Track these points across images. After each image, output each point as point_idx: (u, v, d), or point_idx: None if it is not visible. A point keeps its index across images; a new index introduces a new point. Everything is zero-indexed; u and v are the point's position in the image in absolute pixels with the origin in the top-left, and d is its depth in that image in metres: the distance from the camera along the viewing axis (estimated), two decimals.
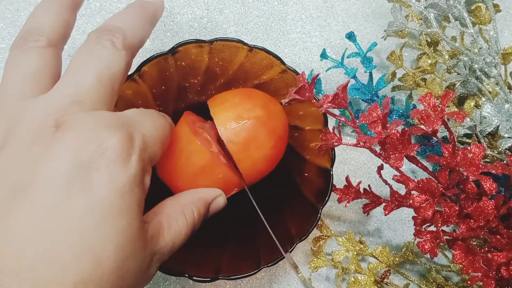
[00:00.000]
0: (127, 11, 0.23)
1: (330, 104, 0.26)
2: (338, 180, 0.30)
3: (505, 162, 0.30)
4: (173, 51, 0.29)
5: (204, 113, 0.31)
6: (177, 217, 0.22)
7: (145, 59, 0.29)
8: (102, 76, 0.19)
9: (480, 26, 0.34)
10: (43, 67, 0.20)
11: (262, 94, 0.30)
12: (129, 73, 0.29)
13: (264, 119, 0.28)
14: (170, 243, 0.21)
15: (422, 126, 0.24)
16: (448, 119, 0.31)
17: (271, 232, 0.28)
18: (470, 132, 0.32)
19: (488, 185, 0.23)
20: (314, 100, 0.27)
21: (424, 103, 0.24)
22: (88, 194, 0.17)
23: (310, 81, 0.27)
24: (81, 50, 0.21)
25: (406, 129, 0.25)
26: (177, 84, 0.32)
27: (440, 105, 0.24)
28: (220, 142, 0.28)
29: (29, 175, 0.17)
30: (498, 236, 0.24)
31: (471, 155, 0.24)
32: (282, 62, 0.30)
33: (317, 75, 0.27)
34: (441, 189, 0.24)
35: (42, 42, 0.20)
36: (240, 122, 0.27)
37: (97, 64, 0.20)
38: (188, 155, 0.27)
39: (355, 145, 0.26)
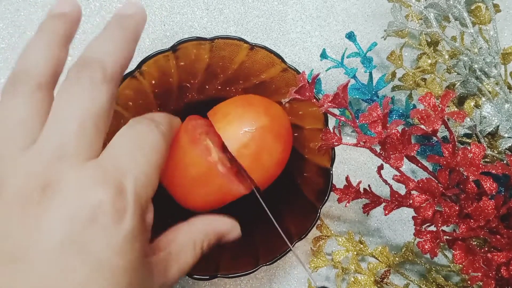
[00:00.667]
0: (105, 35, 0.22)
1: (330, 104, 0.26)
2: (338, 180, 0.30)
3: (505, 162, 0.30)
4: (174, 48, 0.29)
5: (204, 112, 0.31)
6: (187, 249, 0.22)
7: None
8: (85, 121, 0.19)
9: (480, 26, 0.34)
10: (31, 114, 0.19)
11: (261, 99, 0.30)
12: (129, 70, 0.29)
13: (270, 126, 0.28)
14: (177, 274, 0.21)
15: (422, 126, 0.24)
16: (448, 119, 0.31)
17: (278, 227, 0.28)
18: (470, 132, 0.32)
19: (488, 185, 0.23)
20: (314, 100, 0.27)
21: (424, 103, 0.24)
22: (87, 262, 0.16)
23: (310, 81, 0.27)
24: (60, 92, 0.20)
25: (406, 129, 0.25)
26: (178, 83, 0.32)
27: (440, 105, 0.24)
28: (226, 148, 0.28)
29: (23, 245, 0.16)
30: (498, 236, 0.24)
31: (471, 155, 0.24)
32: (283, 61, 0.30)
33: (317, 75, 0.27)
34: (441, 189, 0.24)
35: (31, 86, 0.19)
36: (248, 135, 0.27)
37: (78, 108, 0.19)
38: (185, 165, 0.26)
39: (355, 145, 0.26)
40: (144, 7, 0.23)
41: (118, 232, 0.17)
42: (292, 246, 0.28)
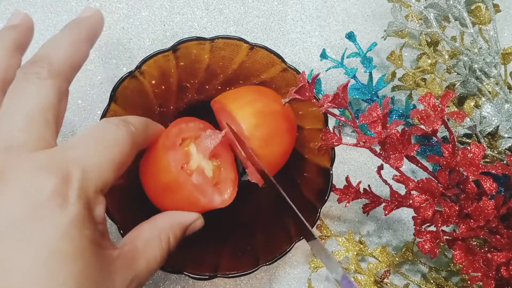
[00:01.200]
0: (59, 35, 0.23)
1: (330, 104, 0.26)
2: (338, 180, 0.30)
3: (505, 162, 0.30)
4: (174, 48, 0.29)
5: (204, 112, 0.31)
6: (153, 242, 0.23)
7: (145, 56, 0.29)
8: (32, 114, 0.19)
9: (480, 26, 0.34)
10: None
11: (270, 91, 0.30)
12: (130, 70, 0.29)
13: (282, 112, 0.28)
14: (146, 268, 0.21)
15: (422, 126, 0.24)
16: (448, 119, 0.31)
17: (299, 215, 0.27)
18: (470, 132, 0.32)
19: (488, 185, 0.23)
20: (314, 100, 0.27)
21: (424, 103, 0.24)
22: (34, 247, 0.16)
23: (310, 81, 0.27)
24: (10, 90, 0.21)
25: (406, 129, 0.25)
26: (178, 83, 0.32)
27: (440, 105, 0.24)
28: (219, 154, 0.28)
29: None
30: (498, 236, 0.24)
31: (471, 155, 0.24)
32: (283, 61, 0.30)
33: (317, 75, 0.27)
34: (441, 189, 0.24)
35: None
36: (261, 116, 0.27)
37: (25, 103, 0.20)
38: (158, 170, 0.26)
39: (355, 145, 0.26)
40: (102, 12, 0.25)
41: (62, 218, 0.17)
42: (292, 246, 0.28)
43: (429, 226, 0.26)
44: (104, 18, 0.25)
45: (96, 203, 0.19)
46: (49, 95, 0.20)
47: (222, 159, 0.29)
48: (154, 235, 0.23)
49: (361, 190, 0.29)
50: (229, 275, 0.27)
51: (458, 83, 0.33)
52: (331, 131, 0.28)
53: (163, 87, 0.31)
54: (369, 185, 0.29)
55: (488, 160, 0.32)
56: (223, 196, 0.28)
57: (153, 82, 0.30)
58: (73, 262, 0.17)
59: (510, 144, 0.30)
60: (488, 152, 0.31)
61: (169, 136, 0.26)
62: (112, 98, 0.28)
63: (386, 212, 0.26)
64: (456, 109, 0.34)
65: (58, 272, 0.16)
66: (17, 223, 0.17)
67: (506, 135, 0.30)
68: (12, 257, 0.16)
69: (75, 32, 0.23)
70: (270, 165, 0.28)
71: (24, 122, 0.19)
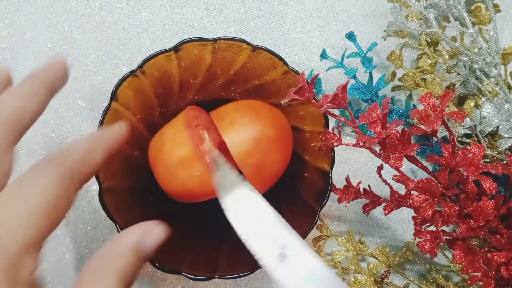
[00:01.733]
0: (13, 87, 0.20)
1: (330, 104, 0.26)
2: (338, 180, 0.30)
3: (505, 162, 0.30)
4: (176, 48, 0.29)
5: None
6: None
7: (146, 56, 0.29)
8: None
9: (480, 26, 0.34)
10: None
11: (267, 108, 0.30)
12: (131, 70, 0.29)
13: (275, 138, 0.28)
14: None
15: (422, 126, 0.24)
16: (448, 119, 0.31)
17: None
18: (470, 132, 0.32)
19: (488, 185, 0.23)
20: (314, 101, 0.27)
21: (424, 103, 0.24)
22: None
23: (309, 81, 0.27)
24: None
25: (406, 129, 0.25)
26: (179, 83, 0.32)
27: (440, 105, 0.24)
28: (222, 148, 0.28)
29: None
30: (498, 236, 0.24)
31: (471, 155, 0.24)
32: (285, 63, 0.30)
33: (317, 75, 0.27)
34: (441, 189, 0.24)
35: None
36: (253, 144, 0.27)
37: None
38: (174, 145, 0.27)
39: (355, 145, 0.26)
40: (68, 64, 0.22)
41: None
42: None
43: (429, 226, 0.26)
44: (68, 69, 0.22)
45: (23, 265, 0.16)
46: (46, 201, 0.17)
47: (227, 156, 0.29)
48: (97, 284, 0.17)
49: (361, 190, 0.29)
50: (227, 277, 0.27)
51: (458, 83, 0.33)
52: (331, 131, 0.27)
53: (164, 87, 0.31)
54: (369, 185, 0.29)
55: (488, 160, 0.32)
56: None
57: (154, 81, 0.30)
58: None
59: (510, 144, 0.30)
60: (488, 152, 0.31)
61: (188, 116, 0.27)
62: (113, 96, 0.28)
63: (386, 212, 0.26)
64: (456, 109, 0.34)
65: None
66: None
67: (506, 135, 0.30)
68: None
69: (32, 84, 0.20)
70: (262, 187, 0.29)
71: None
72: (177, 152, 0.27)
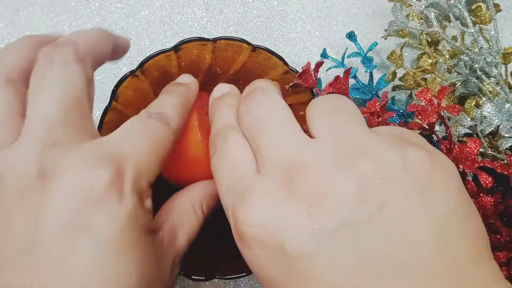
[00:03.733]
0: (81, 30, 0.22)
1: (331, 90, 0.26)
2: None
3: (505, 162, 0.30)
4: (176, 48, 0.29)
5: None
6: (188, 214, 0.22)
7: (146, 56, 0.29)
8: (66, 105, 0.18)
9: (481, 25, 0.34)
10: (7, 109, 0.18)
11: None
12: (130, 70, 0.29)
13: None
14: (186, 241, 0.22)
15: (419, 121, 0.24)
16: (448, 119, 0.31)
17: None
18: (471, 132, 0.32)
19: (483, 178, 0.23)
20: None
21: (421, 98, 0.24)
22: (95, 239, 0.16)
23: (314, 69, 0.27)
24: (34, 78, 0.19)
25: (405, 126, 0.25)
26: None
27: (436, 99, 0.24)
28: None
29: (26, 236, 0.16)
30: (497, 235, 0.24)
31: (468, 149, 0.24)
32: (285, 63, 0.30)
33: (322, 62, 0.27)
34: None
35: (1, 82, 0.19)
36: None
37: (56, 94, 0.18)
38: (186, 144, 0.27)
39: None
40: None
41: (121, 210, 0.17)
42: None
43: None
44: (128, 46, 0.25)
45: (147, 195, 0.19)
46: (79, 82, 0.19)
47: None
48: (188, 206, 0.23)
49: None
50: (227, 277, 0.27)
51: (459, 83, 0.33)
52: None
53: (164, 87, 0.31)
54: None
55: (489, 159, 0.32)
56: None
57: (154, 81, 0.30)
58: (132, 250, 0.17)
59: (510, 144, 0.30)
60: (489, 152, 0.31)
61: (198, 109, 0.27)
62: (114, 96, 0.28)
63: None
64: None
65: (119, 260, 0.17)
66: (76, 217, 0.16)
67: (506, 135, 0.30)
68: (77, 250, 0.16)
69: (101, 34, 0.22)
70: None
71: (59, 115, 0.18)
72: (192, 153, 0.27)
